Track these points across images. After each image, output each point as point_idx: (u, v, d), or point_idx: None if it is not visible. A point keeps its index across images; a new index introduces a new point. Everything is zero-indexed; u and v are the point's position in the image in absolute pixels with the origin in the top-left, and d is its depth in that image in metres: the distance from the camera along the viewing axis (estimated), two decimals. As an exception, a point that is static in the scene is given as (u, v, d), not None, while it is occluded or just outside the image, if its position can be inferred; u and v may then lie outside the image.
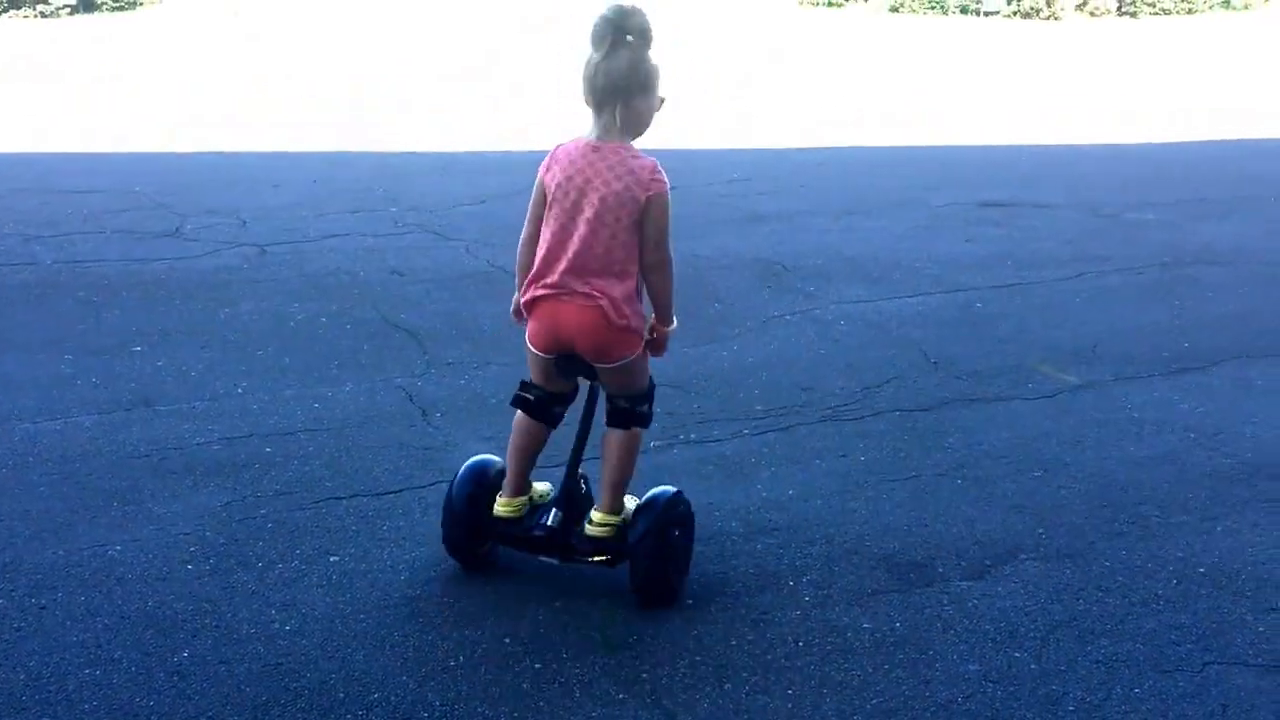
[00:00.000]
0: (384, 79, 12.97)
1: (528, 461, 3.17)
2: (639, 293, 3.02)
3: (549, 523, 3.10)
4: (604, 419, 3.14)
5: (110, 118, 10.00)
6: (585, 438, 3.16)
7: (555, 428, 3.18)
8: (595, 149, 2.91)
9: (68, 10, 16.48)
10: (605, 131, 2.91)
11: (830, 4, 22.23)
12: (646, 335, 3.05)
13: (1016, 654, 2.96)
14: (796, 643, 2.97)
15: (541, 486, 3.26)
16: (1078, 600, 3.21)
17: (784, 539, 3.48)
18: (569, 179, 2.91)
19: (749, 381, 4.71)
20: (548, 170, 2.97)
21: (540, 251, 2.98)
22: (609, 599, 3.14)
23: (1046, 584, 3.28)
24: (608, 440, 3.13)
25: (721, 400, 4.51)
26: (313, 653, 2.88)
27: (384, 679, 2.79)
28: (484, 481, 3.20)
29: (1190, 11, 23.20)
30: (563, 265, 2.93)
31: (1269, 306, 5.95)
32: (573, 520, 3.12)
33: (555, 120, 10.70)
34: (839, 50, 16.87)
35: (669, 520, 3.08)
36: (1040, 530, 3.58)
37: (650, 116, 2.94)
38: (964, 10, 21.23)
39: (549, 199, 2.95)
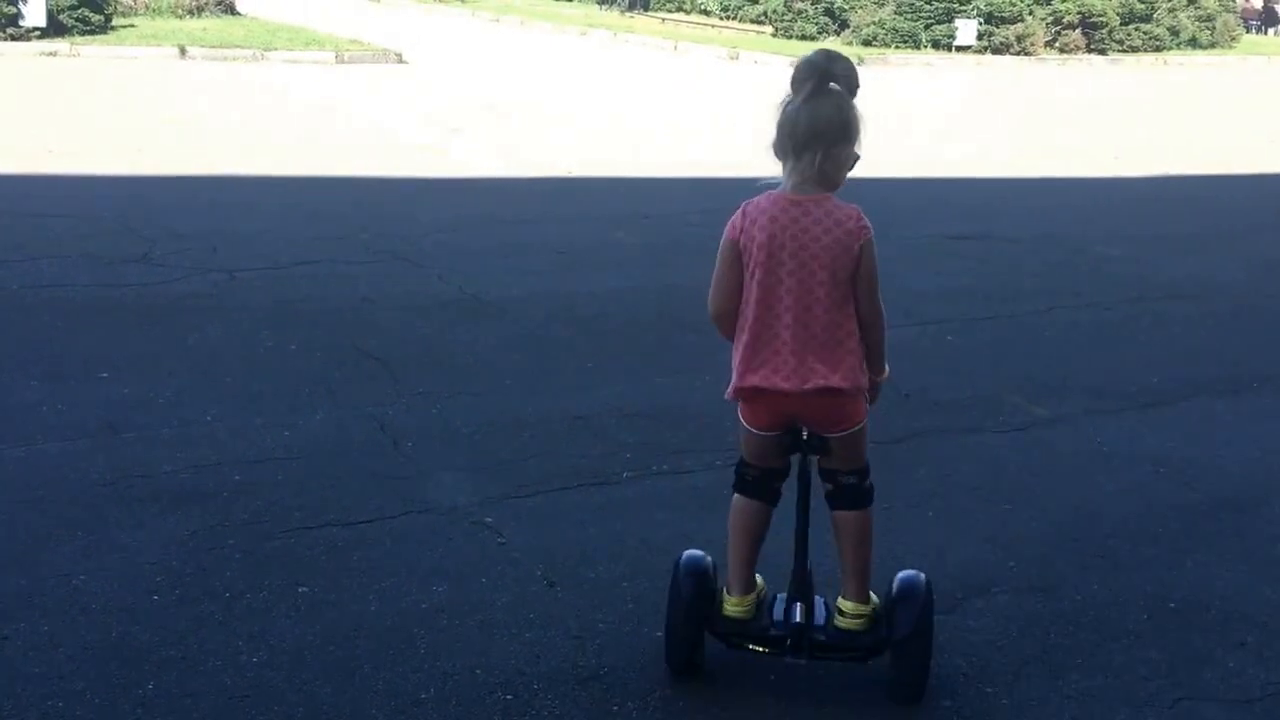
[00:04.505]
0: (356, 104, 12.96)
1: (754, 548, 2.89)
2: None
3: (796, 619, 2.82)
4: (825, 500, 2.88)
5: (77, 140, 9.92)
6: (807, 520, 2.85)
7: (777, 505, 2.91)
8: (796, 203, 2.67)
9: (37, 34, 16.34)
10: (803, 181, 2.67)
11: (803, 38, 22.43)
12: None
13: (989, 689, 2.96)
14: (769, 675, 2.96)
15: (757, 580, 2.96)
16: (1048, 634, 3.21)
17: (757, 569, 3.45)
18: (773, 238, 2.67)
19: (722, 412, 4.68)
20: (743, 231, 2.71)
21: (751, 327, 2.72)
22: (580, 631, 3.12)
23: (1017, 617, 3.28)
24: (843, 524, 2.86)
25: (695, 431, 4.50)
26: (280, 685, 2.84)
27: (353, 712, 2.76)
28: (704, 581, 2.89)
29: (1158, 49, 23.57)
30: (784, 344, 2.69)
31: (1235, 341, 6.02)
32: (810, 613, 2.85)
33: (534, 148, 10.72)
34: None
35: (931, 610, 2.84)
36: (1011, 563, 3.59)
37: (849, 167, 2.69)
38: (936, 45, 21.47)
39: (750, 263, 2.70)
